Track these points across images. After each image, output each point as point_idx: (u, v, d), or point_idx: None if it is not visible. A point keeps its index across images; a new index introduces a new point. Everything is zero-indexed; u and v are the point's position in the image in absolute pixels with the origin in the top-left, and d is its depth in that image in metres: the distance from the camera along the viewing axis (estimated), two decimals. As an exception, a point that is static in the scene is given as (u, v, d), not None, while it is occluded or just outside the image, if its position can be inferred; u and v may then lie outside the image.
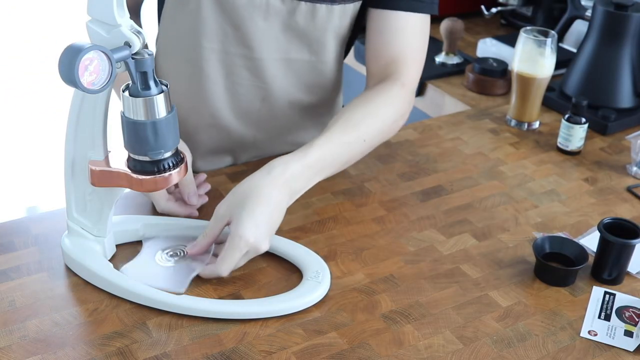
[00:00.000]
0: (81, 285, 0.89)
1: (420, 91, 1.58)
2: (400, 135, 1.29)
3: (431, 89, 1.55)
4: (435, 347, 0.82)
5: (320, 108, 1.20)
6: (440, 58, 1.63)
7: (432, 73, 1.58)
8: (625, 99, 1.37)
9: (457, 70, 1.60)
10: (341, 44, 1.14)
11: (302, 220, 1.03)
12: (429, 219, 1.05)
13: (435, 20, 1.84)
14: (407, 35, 1.08)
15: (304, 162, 0.93)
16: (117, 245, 0.95)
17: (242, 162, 1.21)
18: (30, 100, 3.37)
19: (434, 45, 1.72)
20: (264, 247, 0.89)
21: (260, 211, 0.88)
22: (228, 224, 0.90)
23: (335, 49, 1.13)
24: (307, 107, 1.18)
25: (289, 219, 1.01)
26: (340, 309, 0.87)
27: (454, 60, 1.62)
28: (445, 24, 1.61)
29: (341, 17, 1.09)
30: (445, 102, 1.51)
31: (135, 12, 1.12)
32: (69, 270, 0.91)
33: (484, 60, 1.53)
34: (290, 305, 0.86)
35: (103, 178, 0.84)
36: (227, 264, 0.88)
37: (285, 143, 1.21)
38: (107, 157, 0.85)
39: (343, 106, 1.19)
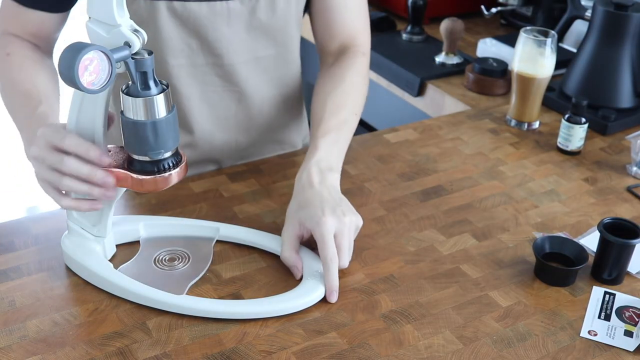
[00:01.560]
0: (81, 285, 0.89)
1: (420, 91, 1.58)
2: (400, 135, 1.29)
3: (431, 89, 1.55)
4: (435, 347, 0.82)
5: (292, 99, 1.22)
6: (440, 58, 1.63)
7: (432, 73, 1.58)
8: (625, 99, 1.37)
9: (457, 70, 1.60)
10: (300, 30, 1.16)
11: (302, 220, 1.03)
12: (429, 219, 1.05)
13: (435, 20, 1.86)
14: (355, 7, 1.13)
15: (317, 159, 0.97)
16: (116, 245, 0.95)
17: (226, 167, 1.20)
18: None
19: (434, 46, 1.73)
20: (348, 219, 0.91)
21: (317, 200, 0.91)
22: (301, 237, 0.92)
23: (297, 35, 1.15)
24: (280, 101, 1.19)
25: (289, 219, 1.01)
26: (340, 309, 0.87)
27: (454, 60, 1.62)
28: (445, 24, 1.61)
29: (297, 3, 1.11)
30: (445, 102, 1.51)
31: (48, 49, 1.07)
32: (69, 270, 0.91)
33: (484, 60, 1.53)
34: (291, 305, 0.86)
35: None
36: (344, 257, 0.90)
37: (266, 141, 1.21)
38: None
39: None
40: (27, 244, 0.96)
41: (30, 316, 0.84)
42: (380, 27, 1.83)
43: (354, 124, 1.06)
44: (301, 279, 0.90)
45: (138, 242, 0.96)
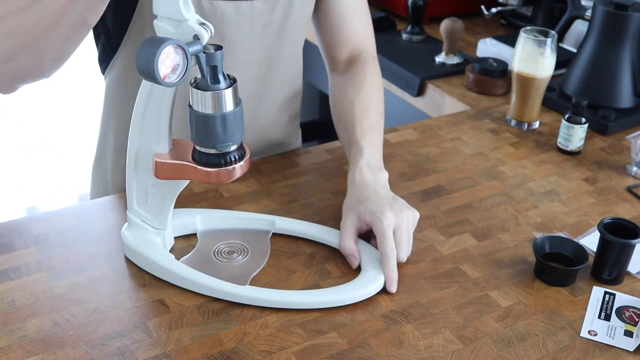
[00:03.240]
0: (81, 285, 0.89)
1: (420, 91, 1.58)
2: (400, 135, 1.29)
3: (431, 89, 1.55)
4: (435, 347, 0.82)
5: (294, 99, 1.22)
6: (440, 58, 1.63)
7: (432, 73, 1.58)
8: (625, 99, 1.37)
9: (457, 70, 1.60)
10: (306, 31, 1.17)
11: (303, 219, 1.03)
12: (429, 219, 1.05)
13: (435, 20, 1.86)
14: (360, 15, 1.16)
15: (366, 159, 1.00)
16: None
17: None
18: (30, 99, 3.37)
19: (434, 46, 1.73)
20: (406, 216, 0.94)
21: (375, 197, 0.94)
22: (359, 231, 0.95)
23: (304, 36, 1.16)
24: (284, 101, 1.20)
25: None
26: (340, 309, 0.87)
27: (454, 60, 1.62)
28: (445, 24, 1.61)
29: (310, 4, 1.12)
30: (445, 102, 1.51)
31: None
32: (69, 270, 0.91)
33: (484, 60, 1.53)
34: (352, 295, 0.87)
35: (168, 171, 0.85)
36: (403, 251, 0.93)
37: (266, 142, 1.21)
38: (171, 150, 0.86)
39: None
40: (27, 244, 0.96)
41: (30, 316, 0.84)
42: (380, 27, 1.83)
43: (382, 124, 1.10)
44: (301, 279, 0.91)
45: (193, 235, 0.98)
